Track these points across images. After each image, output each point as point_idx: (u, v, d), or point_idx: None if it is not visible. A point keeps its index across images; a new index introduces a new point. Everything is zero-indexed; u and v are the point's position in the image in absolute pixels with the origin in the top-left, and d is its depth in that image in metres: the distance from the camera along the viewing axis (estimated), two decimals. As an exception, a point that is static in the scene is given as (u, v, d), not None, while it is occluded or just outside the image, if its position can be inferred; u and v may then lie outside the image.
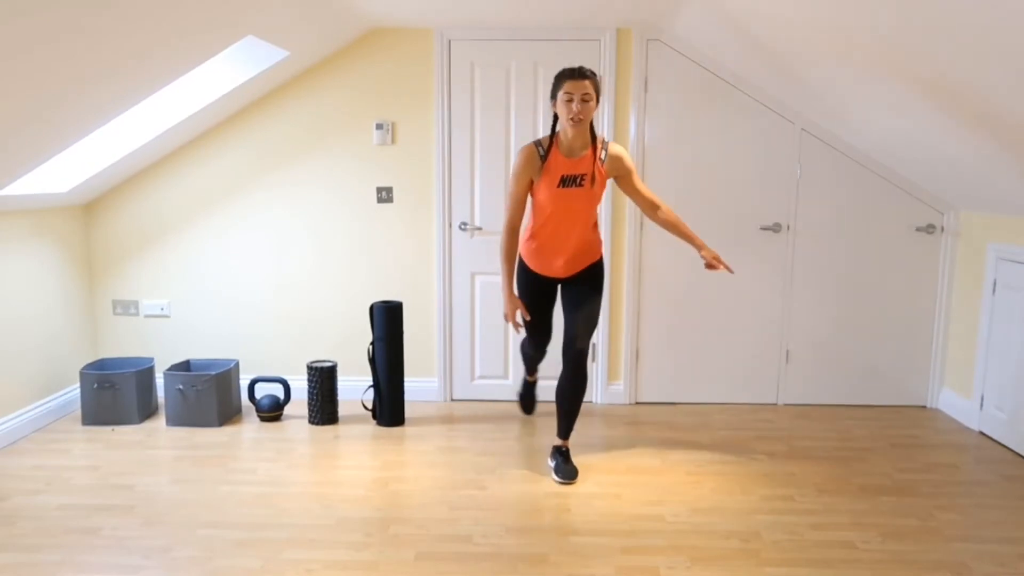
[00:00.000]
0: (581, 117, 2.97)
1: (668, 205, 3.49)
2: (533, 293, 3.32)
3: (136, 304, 4.32)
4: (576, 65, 3.04)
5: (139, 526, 2.80)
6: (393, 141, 4.15)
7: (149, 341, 4.34)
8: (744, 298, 4.23)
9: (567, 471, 3.21)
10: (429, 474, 3.30)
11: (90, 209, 4.26)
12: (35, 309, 3.84)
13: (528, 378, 3.86)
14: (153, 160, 4.15)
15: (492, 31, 4.03)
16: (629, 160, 3.16)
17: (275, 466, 3.37)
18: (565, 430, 3.33)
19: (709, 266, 3.18)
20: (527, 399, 3.95)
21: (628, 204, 4.14)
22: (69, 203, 4.05)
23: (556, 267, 3.24)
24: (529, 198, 3.19)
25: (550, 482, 3.22)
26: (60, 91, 2.71)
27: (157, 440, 3.69)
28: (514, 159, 3.13)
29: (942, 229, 4.16)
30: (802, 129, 4.09)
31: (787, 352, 4.28)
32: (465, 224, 4.20)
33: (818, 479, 3.27)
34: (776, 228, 4.18)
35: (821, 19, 2.79)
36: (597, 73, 3.04)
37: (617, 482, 3.22)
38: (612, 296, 4.23)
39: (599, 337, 4.27)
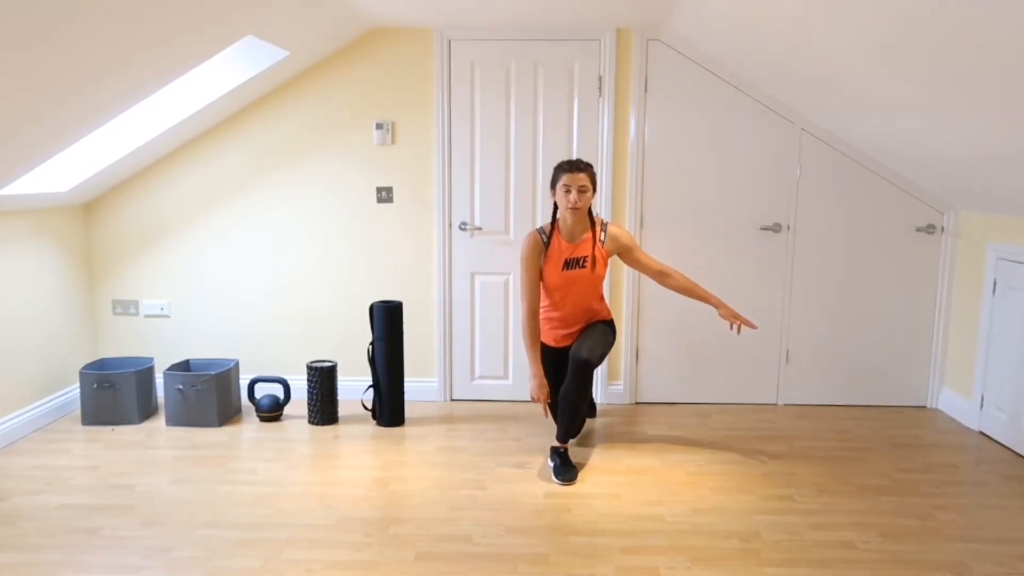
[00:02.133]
0: (579, 206, 3.26)
1: (679, 271, 3.67)
2: (546, 360, 3.47)
3: (136, 304, 4.32)
4: (574, 158, 3.35)
5: (139, 526, 2.80)
6: (393, 141, 4.15)
7: (149, 341, 4.34)
8: (744, 298, 4.23)
9: (566, 471, 3.22)
10: (429, 474, 3.30)
11: (90, 209, 4.26)
12: (35, 309, 3.84)
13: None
14: (153, 160, 4.15)
15: (492, 31, 4.03)
16: (628, 237, 3.44)
17: (275, 466, 3.37)
18: (564, 434, 3.34)
19: (731, 324, 3.37)
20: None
21: (628, 205, 4.14)
22: (69, 203, 4.05)
23: (565, 337, 3.49)
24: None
25: (550, 482, 3.22)
26: (60, 91, 2.71)
27: (157, 440, 3.69)
28: (514, 223, 3.42)
29: (942, 229, 4.16)
30: (802, 129, 4.10)
31: (787, 352, 4.28)
32: (465, 224, 4.20)
33: (818, 479, 3.27)
34: (776, 228, 4.18)
35: (821, 19, 2.79)
36: (592, 165, 3.37)
37: (617, 482, 3.22)
38: (612, 296, 4.23)
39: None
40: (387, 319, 3.87)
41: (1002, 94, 2.54)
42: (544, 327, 3.50)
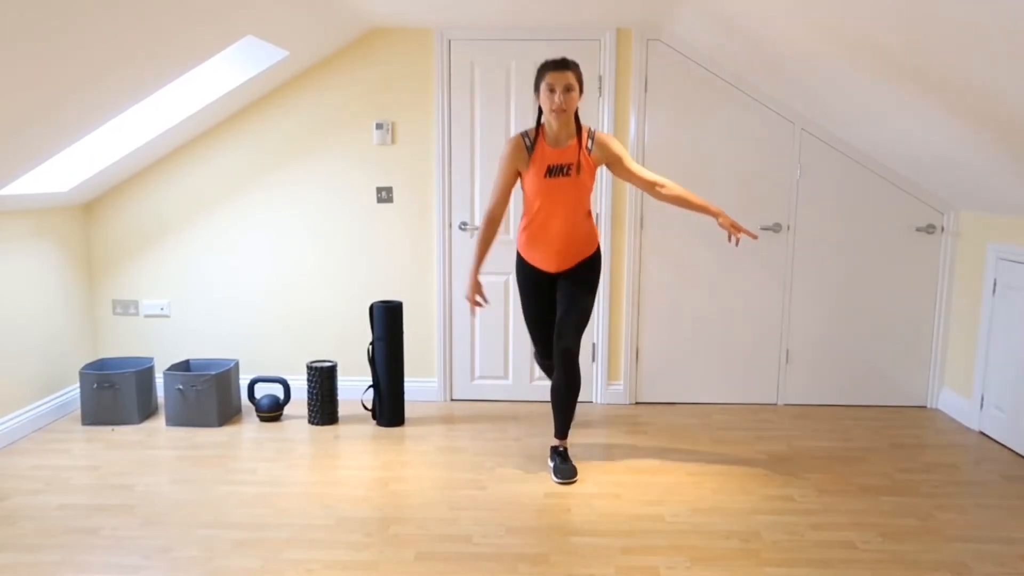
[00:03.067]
0: (564, 107, 2.99)
1: (672, 180, 3.31)
2: (531, 288, 3.30)
3: (136, 304, 4.32)
4: (559, 56, 3.05)
5: (139, 526, 2.80)
6: (393, 141, 4.15)
7: (149, 341, 4.34)
8: (744, 298, 4.23)
9: (566, 471, 3.21)
10: (429, 474, 3.30)
11: (90, 209, 4.26)
12: (35, 309, 3.84)
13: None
14: (153, 160, 4.15)
15: (492, 31, 4.03)
16: (617, 145, 3.15)
17: (275, 466, 3.37)
18: (562, 429, 3.32)
19: (730, 234, 3.14)
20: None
21: (628, 205, 4.14)
22: (69, 203, 4.05)
23: (550, 259, 3.22)
24: (521, 190, 3.22)
25: (550, 482, 3.22)
26: (60, 91, 2.71)
27: (157, 440, 3.69)
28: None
29: (942, 229, 4.16)
30: (802, 129, 4.09)
31: (787, 352, 4.28)
32: (465, 224, 4.20)
33: (818, 479, 3.27)
34: (776, 228, 4.18)
35: (821, 19, 2.79)
36: (578, 63, 3.08)
37: (617, 482, 3.22)
38: (612, 296, 4.23)
39: (599, 337, 4.27)
40: (387, 319, 3.87)
41: (1002, 95, 2.54)
42: (527, 245, 3.24)
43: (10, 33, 2.19)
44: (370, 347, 3.93)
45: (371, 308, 3.90)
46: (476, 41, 4.05)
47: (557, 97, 2.98)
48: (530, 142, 3.11)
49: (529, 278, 3.30)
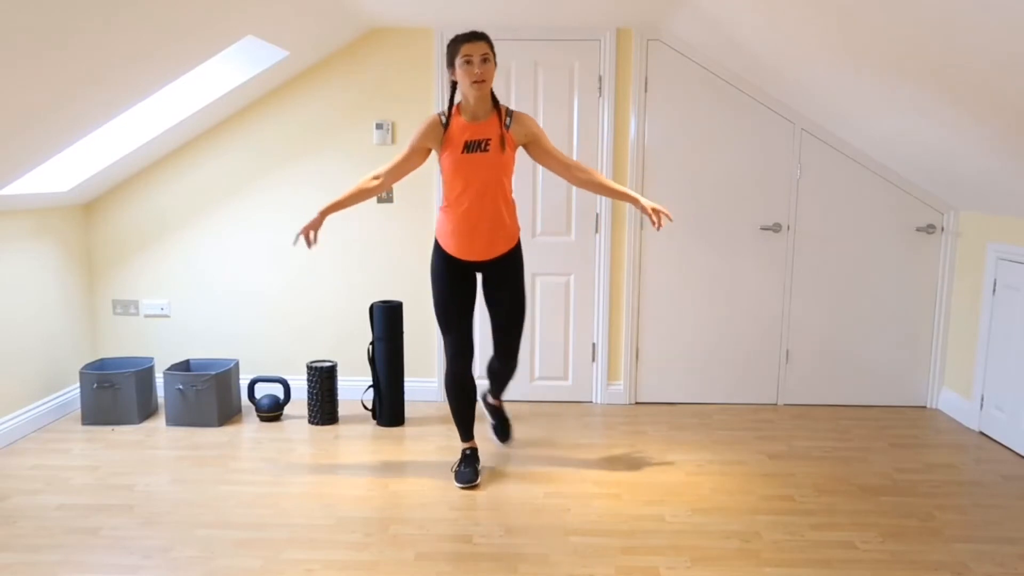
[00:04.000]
0: (483, 78, 2.89)
1: (600, 172, 3.22)
2: (447, 278, 3.12)
3: (136, 304, 4.32)
4: (468, 30, 2.98)
5: (139, 526, 2.80)
6: (393, 141, 4.15)
7: (149, 341, 4.34)
8: (744, 298, 4.23)
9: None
10: (429, 474, 3.30)
11: (90, 209, 4.26)
12: (35, 309, 3.84)
13: (465, 447, 3.31)
14: (153, 160, 4.15)
15: (492, 31, 4.02)
16: (535, 124, 3.07)
17: (275, 466, 3.37)
18: (498, 392, 3.46)
19: (652, 219, 3.03)
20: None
21: (628, 204, 4.14)
22: (69, 203, 4.05)
23: (469, 246, 3.06)
24: (440, 175, 3.14)
25: (550, 482, 3.22)
26: (61, 91, 2.71)
27: (157, 440, 3.69)
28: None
29: (942, 229, 4.16)
30: (802, 129, 4.09)
31: (787, 352, 4.28)
32: (465, 224, 4.19)
33: (818, 479, 3.27)
34: (776, 228, 4.18)
35: (821, 19, 2.79)
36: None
37: (617, 482, 3.22)
38: (612, 296, 4.23)
39: (599, 337, 4.27)
40: (387, 319, 3.87)
41: (1002, 95, 2.54)
42: (445, 230, 3.08)
43: (10, 33, 2.19)
44: (370, 347, 3.93)
45: (371, 308, 3.90)
46: (476, 41, 4.05)
47: (476, 68, 2.87)
48: (446, 119, 2.99)
49: (445, 265, 3.11)
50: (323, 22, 3.57)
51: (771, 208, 4.17)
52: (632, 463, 3.44)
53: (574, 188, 4.13)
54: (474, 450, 3.28)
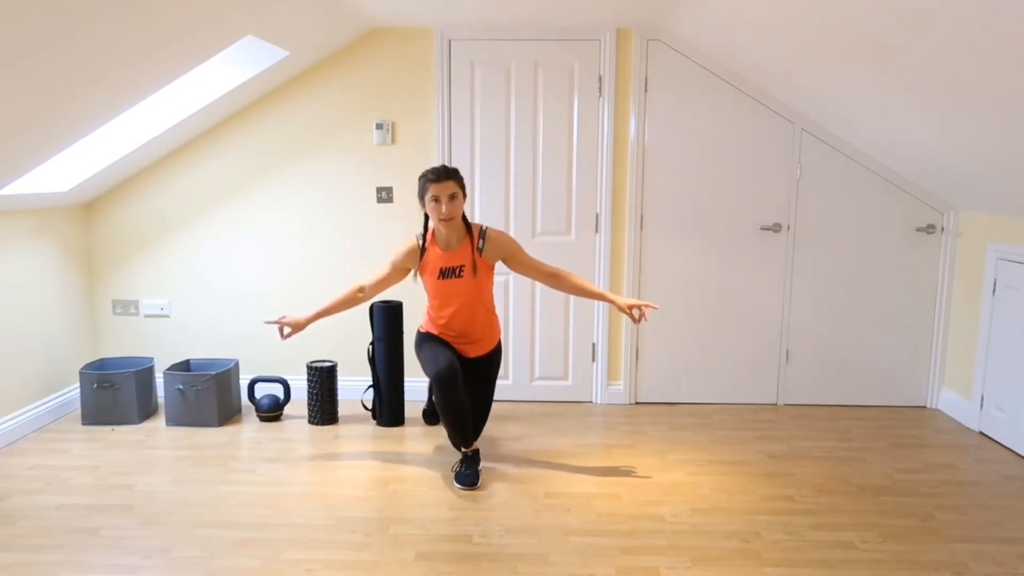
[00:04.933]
0: (451, 215, 3.08)
1: (569, 271, 3.29)
2: (434, 342, 3.30)
3: (136, 304, 4.32)
4: (439, 165, 3.15)
5: (139, 526, 2.80)
6: (393, 141, 4.15)
7: (149, 341, 4.34)
8: (744, 298, 4.23)
9: (469, 476, 3.17)
10: (429, 474, 3.30)
11: (90, 209, 4.26)
12: (35, 309, 3.84)
13: (464, 450, 3.26)
14: (153, 160, 4.15)
15: (492, 31, 4.03)
16: (510, 241, 3.23)
17: (275, 466, 3.37)
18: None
19: (632, 317, 3.15)
20: (469, 475, 3.22)
21: (628, 204, 4.14)
22: (69, 203, 4.05)
23: (454, 344, 3.32)
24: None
25: (550, 482, 3.22)
26: (61, 91, 2.71)
27: (157, 440, 3.69)
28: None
29: (942, 229, 4.16)
30: (802, 129, 4.09)
31: (787, 352, 4.28)
32: (465, 224, 4.20)
33: (818, 479, 3.27)
34: (776, 228, 4.18)
35: (821, 19, 2.79)
36: (458, 169, 3.16)
37: (617, 482, 3.22)
38: (615, 292, 4.22)
39: (599, 337, 4.27)
40: (387, 319, 3.87)
41: (1002, 95, 2.54)
42: (429, 328, 3.35)
43: (11, 33, 2.19)
44: (370, 347, 3.93)
45: (371, 308, 3.90)
46: (476, 41, 4.05)
47: (444, 208, 3.07)
48: (422, 244, 3.22)
49: (431, 338, 3.33)
50: (323, 22, 3.57)
51: (771, 208, 4.17)
52: (632, 463, 3.44)
53: (574, 188, 4.14)
54: (475, 451, 3.28)
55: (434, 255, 3.20)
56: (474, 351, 3.35)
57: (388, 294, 4.26)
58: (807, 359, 4.29)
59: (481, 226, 3.24)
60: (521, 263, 3.25)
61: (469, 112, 4.11)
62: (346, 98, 4.11)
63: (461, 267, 3.19)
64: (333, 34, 3.81)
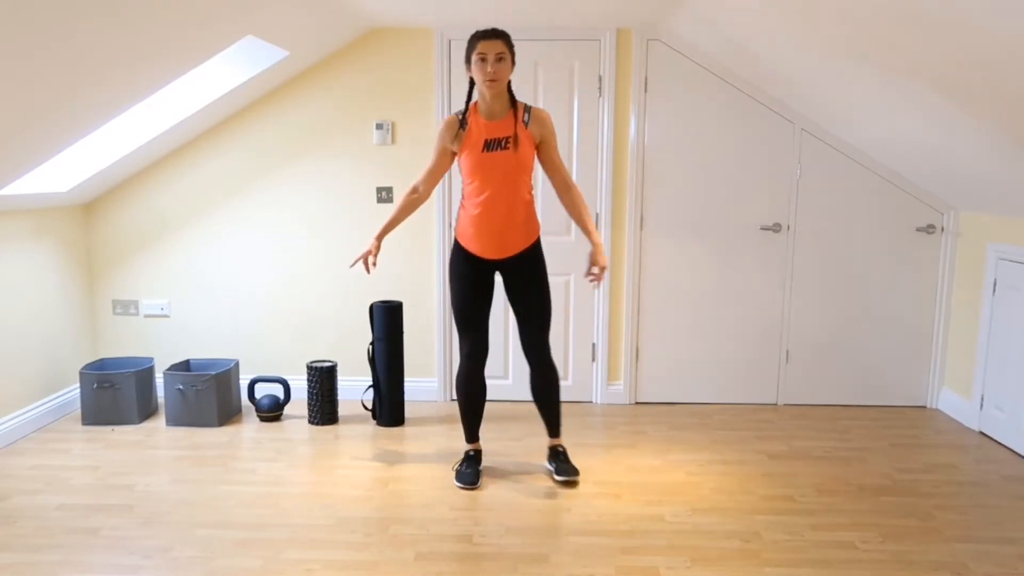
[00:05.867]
0: (497, 77, 2.88)
1: (580, 191, 3.18)
2: (468, 276, 3.10)
3: (136, 304, 4.32)
4: (489, 27, 2.96)
5: (139, 526, 2.80)
6: (393, 141, 4.15)
7: (149, 341, 4.34)
8: (744, 298, 4.23)
9: (567, 470, 3.18)
10: (429, 474, 3.30)
11: (90, 209, 4.26)
12: (35, 309, 3.84)
13: (469, 448, 3.29)
14: (153, 160, 4.15)
15: (492, 31, 4.03)
16: (551, 125, 3.05)
17: (275, 466, 3.37)
18: (554, 427, 3.27)
19: (591, 270, 3.03)
20: (470, 474, 3.21)
21: (628, 203, 4.14)
22: (69, 203, 4.05)
23: (490, 243, 3.05)
24: (459, 172, 3.12)
25: (550, 482, 3.22)
26: (60, 91, 2.71)
27: (157, 440, 3.69)
28: None
29: (942, 229, 4.16)
30: (802, 129, 4.09)
31: (787, 352, 4.28)
32: (465, 224, 4.20)
33: (818, 479, 3.27)
34: (776, 228, 4.18)
35: (822, 19, 2.79)
36: (509, 34, 2.97)
37: (617, 482, 3.22)
38: (612, 296, 4.23)
39: (599, 337, 4.27)
40: (387, 319, 3.87)
41: (1002, 95, 2.54)
42: (465, 228, 3.08)
43: (11, 33, 2.19)
44: (370, 347, 3.93)
45: (371, 308, 3.90)
46: (476, 41, 4.05)
47: (489, 67, 2.86)
48: (463, 117, 2.99)
49: (466, 265, 3.10)
50: (323, 22, 3.57)
51: (771, 208, 4.17)
52: (632, 463, 3.44)
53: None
54: (478, 452, 3.28)
55: (477, 125, 2.97)
56: (513, 247, 3.08)
57: (389, 291, 4.26)
58: (807, 359, 4.29)
59: (525, 103, 3.07)
60: (551, 154, 3.06)
61: (469, 112, 4.10)
62: (346, 98, 4.12)
63: (507, 139, 2.96)
64: (333, 34, 3.81)
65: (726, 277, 4.22)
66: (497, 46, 2.87)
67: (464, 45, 4.04)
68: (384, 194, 4.18)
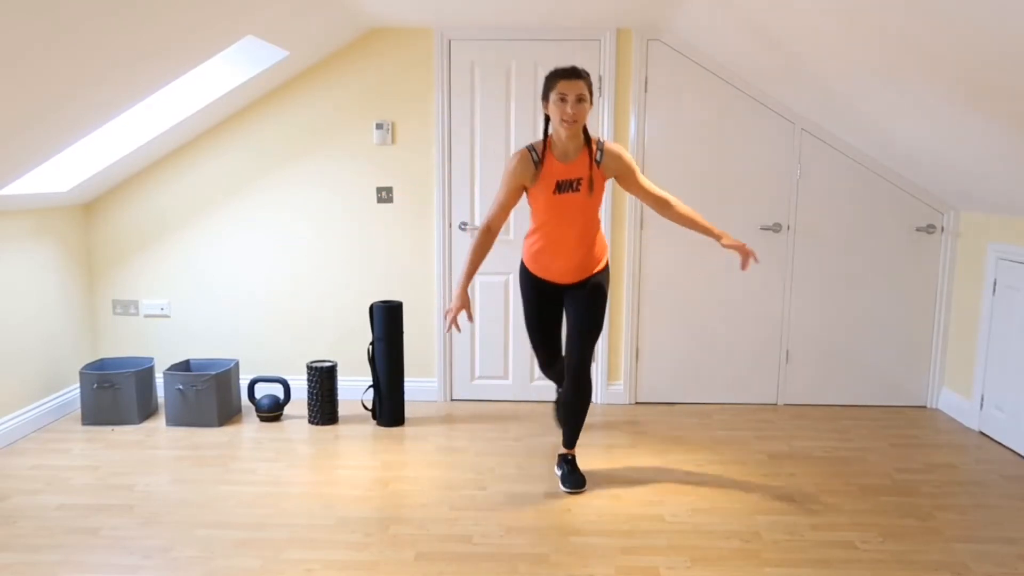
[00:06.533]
0: (576, 118, 2.84)
1: (678, 197, 3.14)
2: (535, 300, 3.17)
3: (136, 304, 4.32)
4: (569, 65, 2.93)
5: (139, 526, 2.80)
6: (393, 141, 4.15)
7: (149, 341, 4.34)
8: (744, 298, 4.23)
9: (575, 480, 3.16)
10: (429, 474, 3.30)
11: (90, 209, 4.26)
12: (35, 309, 3.84)
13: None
14: (153, 160, 4.15)
15: (492, 31, 4.03)
16: (628, 157, 3.00)
17: (275, 466, 3.37)
18: (570, 440, 3.24)
19: (742, 260, 2.99)
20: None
21: (628, 203, 4.14)
22: (69, 203, 4.05)
23: (557, 272, 3.08)
24: (527, 203, 3.11)
25: (550, 482, 3.21)
26: (61, 91, 2.71)
27: (157, 440, 3.69)
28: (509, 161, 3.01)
29: (942, 229, 4.16)
30: (802, 129, 4.09)
31: (787, 352, 4.28)
32: (465, 224, 4.20)
33: (818, 479, 3.27)
34: (776, 228, 4.18)
35: (822, 18, 2.79)
36: (590, 73, 2.95)
37: (617, 482, 3.22)
38: (612, 296, 4.22)
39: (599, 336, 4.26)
40: (387, 319, 3.87)
41: (1002, 95, 2.54)
42: (535, 259, 3.09)
43: (11, 33, 2.19)
44: (370, 347, 3.93)
45: (371, 308, 3.90)
46: (476, 41, 4.05)
47: (569, 108, 2.83)
48: (538, 156, 2.93)
49: (533, 289, 3.16)
50: (323, 22, 3.57)
51: (771, 208, 4.17)
52: (632, 463, 3.44)
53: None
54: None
55: (551, 166, 2.93)
56: (579, 275, 3.10)
57: (389, 291, 4.26)
58: (807, 359, 4.29)
59: (599, 138, 3.01)
60: (633, 183, 3.01)
61: (469, 112, 4.11)
62: (346, 98, 4.11)
63: (579, 180, 2.93)
64: (333, 34, 3.81)
65: (726, 277, 4.22)
66: (579, 87, 2.84)
67: (464, 45, 4.05)
68: (384, 194, 4.18)
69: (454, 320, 2.94)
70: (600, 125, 4.08)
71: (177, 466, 3.37)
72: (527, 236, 3.14)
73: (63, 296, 4.06)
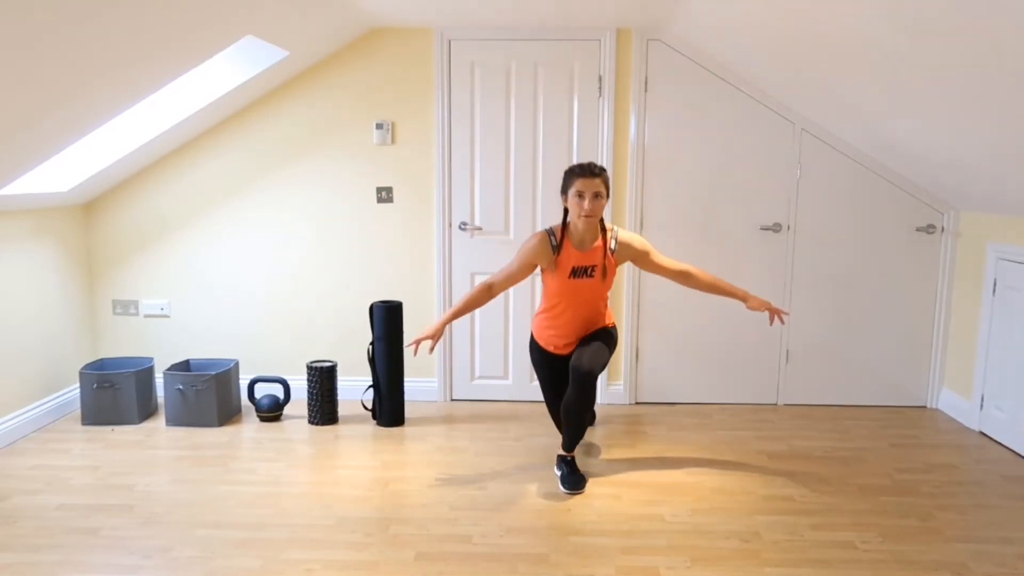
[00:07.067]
0: (593, 214, 3.05)
1: (698, 267, 3.32)
2: (548, 370, 3.38)
3: (136, 304, 4.32)
4: (586, 161, 3.13)
5: (138, 526, 2.80)
6: (393, 141, 4.15)
7: (149, 341, 4.34)
8: (744, 298, 4.23)
9: (574, 480, 3.16)
10: (429, 474, 3.30)
11: (90, 209, 4.26)
12: (35, 309, 3.84)
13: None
14: (153, 160, 4.15)
15: (492, 31, 4.03)
16: (640, 242, 3.22)
17: (275, 466, 3.37)
18: (570, 443, 3.25)
19: (770, 317, 3.27)
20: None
21: (628, 203, 4.14)
22: (69, 203, 4.05)
23: (565, 347, 3.30)
24: (541, 280, 3.31)
25: (550, 482, 3.22)
26: (61, 91, 2.71)
27: (157, 440, 3.69)
28: (526, 240, 3.20)
29: (942, 229, 4.16)
30: (802, 129, 4.09)
31: (787, 352, 4.28)
32: (465, 224, 4.20)
33: (818, 479, 3.27)
34: (776, 228, 4.18)
35: (822, 18, 2.79)
36: (605, 169, 3.14)
37: (617, 482, 3.22)
38: (612, 295, 4.22)
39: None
40: (387, 319, 3.87)
41: (1002, 95, 2.54)
42: (542, 328, 3.33)
43: (11, 32, 2.19)
44: (370, 347, 3.93)
45: (371, 308, 3.90)
46: (476, 41, 4.05)
47: (587, 204, 3.04)
48: (556, 242, 3.16)
49: (542, 357, 3.38)
50: (323, 22, 3.57)
51: (771, 208, 4.17)
52: (632, 463, 3.44)
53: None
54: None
55: (568, 254, 3.16)
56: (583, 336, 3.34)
57: (389, 291, 4.26)
58: (807, 359, 4.29)
59: (613, 227, 3.23)
60: (650, 263, 3.24)
61: (469, 112, 4.11)
62: (346, 98, 4.11)
63: (593, 267, 3.17)
64: (333, 34, 3.81)
65: (726, 277, 4.21)
66: (596, 184, 3.05)
67: (464, 45, 4.05)
68: (384, 194, 4.19)
69: (419, 343, 3.15)
70: (600, 125, 4.08)
71: (177, 466, 3.37)
72: (538, 313, 3.37)
73: (63, 296, 4.06)
